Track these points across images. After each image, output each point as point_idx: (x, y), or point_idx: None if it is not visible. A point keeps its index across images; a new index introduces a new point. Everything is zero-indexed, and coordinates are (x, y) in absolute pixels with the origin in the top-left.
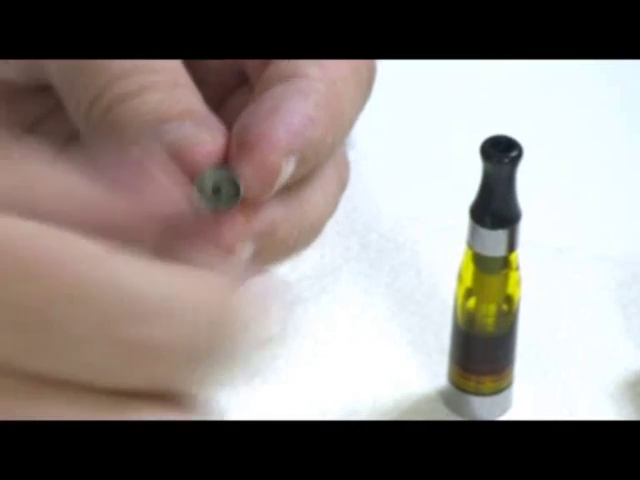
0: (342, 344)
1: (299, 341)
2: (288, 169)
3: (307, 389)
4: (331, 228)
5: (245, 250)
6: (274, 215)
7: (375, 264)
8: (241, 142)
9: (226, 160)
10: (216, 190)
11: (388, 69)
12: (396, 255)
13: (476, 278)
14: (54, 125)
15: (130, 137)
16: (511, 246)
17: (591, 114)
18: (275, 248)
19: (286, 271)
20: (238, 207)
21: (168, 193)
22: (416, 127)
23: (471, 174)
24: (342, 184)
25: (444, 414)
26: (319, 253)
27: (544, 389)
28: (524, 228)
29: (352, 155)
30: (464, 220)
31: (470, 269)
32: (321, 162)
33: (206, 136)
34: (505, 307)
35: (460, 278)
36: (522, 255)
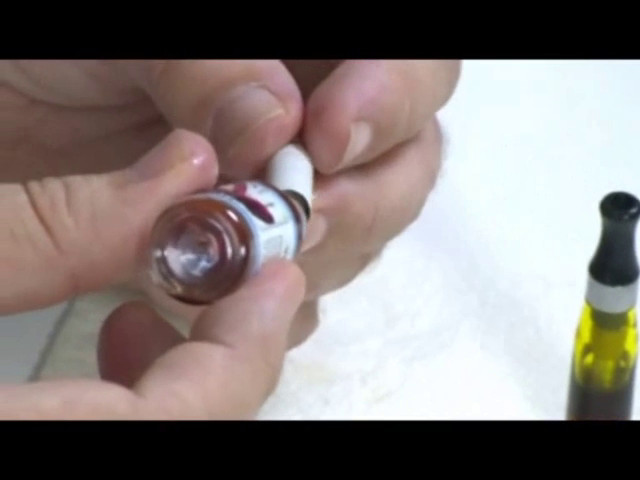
0: (460, 399)
1: (417, 396)
2: (360, 137)
3: None
4: (450, 285)
5: (318, 224)
6: (346, 189)
7: (493, 320)
8: (312, 109)
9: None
10: None
11: (498, 120)
12: (514, 311)
13: (594, 334)
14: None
15: (188, 103)
16: (630, 302)
17: None
18: (350, 225)
19: (405, 326)
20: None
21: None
22: (535, 184)
23: (590, 230)
24: (430, 173)
25: None
26: (438, 309)
27: None
28: None
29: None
30: (583, 276)
31: (588, 325)
32: (402, 136)
33: (280, 110)
34: (622, 363)
35: (578, 334)
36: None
